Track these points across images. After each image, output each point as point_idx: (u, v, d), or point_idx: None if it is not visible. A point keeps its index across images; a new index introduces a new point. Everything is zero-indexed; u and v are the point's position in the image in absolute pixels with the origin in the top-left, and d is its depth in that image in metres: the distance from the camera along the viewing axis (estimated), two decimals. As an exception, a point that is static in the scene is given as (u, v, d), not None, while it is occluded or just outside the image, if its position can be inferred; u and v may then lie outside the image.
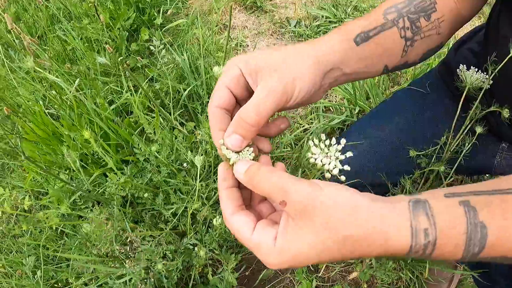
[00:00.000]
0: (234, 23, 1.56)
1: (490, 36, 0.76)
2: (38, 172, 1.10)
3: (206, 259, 0.85)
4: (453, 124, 0.81)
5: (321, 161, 0.42)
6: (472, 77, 0.73)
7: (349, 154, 0.42)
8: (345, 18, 1.68)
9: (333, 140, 0.43)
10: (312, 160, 0.42)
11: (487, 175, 1.01)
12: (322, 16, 1.69)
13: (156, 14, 1.48)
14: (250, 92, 0.48)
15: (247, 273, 1.07)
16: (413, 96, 0.91)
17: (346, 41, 0.53)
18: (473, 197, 0.40)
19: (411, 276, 1.06)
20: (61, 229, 1.06)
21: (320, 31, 1.62)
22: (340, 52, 0.51)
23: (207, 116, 1.05)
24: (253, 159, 0.44)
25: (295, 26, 1.62)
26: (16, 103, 1.29)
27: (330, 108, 1.42)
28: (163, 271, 0.76)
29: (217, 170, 0.46)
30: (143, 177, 0.95)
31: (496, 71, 0.69)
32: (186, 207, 0.88)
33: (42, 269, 0.91)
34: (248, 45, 1.48)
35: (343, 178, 0.42)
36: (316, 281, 1.05)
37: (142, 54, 1.36)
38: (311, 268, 1.05)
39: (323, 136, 0.43)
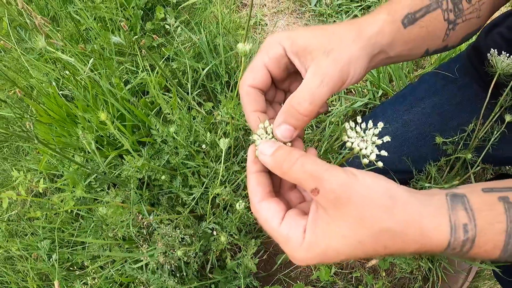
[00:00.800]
0: (253, 1, 1.52)
1: None
2: (53, 154, 1.09)
3: (226, 244, 0.83)
4: (482, 111, 0.77)
5: (358, 145, 0.39)
6: (503, 62, 0.69)
7: (386, 138, 0.39)
8: (370, -2, 1.62)
9: (370, 123, 0.39)
10: (348, 144, 0.39)
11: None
12: None
13: (171, -8, 1.44)
14: (290, 73, 0.45)
15: (264, 257, 1.05)
16: (441, 80, 0.88)
17: (394, 23, 0.49)
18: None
19: (431, 266, 1.03)
20: (76, 212, 1.05)
21: (341, 10, 1.55)
22: (389, 34, 0.48)
23: (226, 96, 1.02)
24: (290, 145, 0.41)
25: (315, 4, 1.56)
26: (29, 85, 1.28)
27: (352, 90, 1.38)
28: (184, 257, 0.74)
29: (237, 152, 0.43)
30: (160, 159, 0.92)
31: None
32: (206, 191, 0.86)
33: (57, 252, 0.90)
34: (267, 24, 1.44)
35: (380, 164, 0.38)
36: (335, 268, 1.02)
37: (158, 33, 1.33)
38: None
39: (359, 119, 0.40)
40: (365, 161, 0.39)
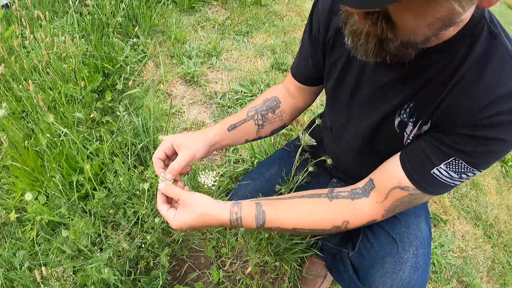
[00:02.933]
0: (175, 93, 2.19)
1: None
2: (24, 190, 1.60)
3: (150, 255, 1.42)
4: (294, 166, 1.24)
5: (204, 180, 1.01)
6: (306, 138, 1.14)
7: (212, 181, 1.04)
8: (258, 93, 2.38)
9: (209, 172, 1.03)
10: (199, 179, 1.02)
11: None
12: (241, 91, 2.35)
13: (118, 81, 2.07)
14: (175, 153, 1.01)
15: (179, 273, 1.62)
16: (284, 152, 1.43)
17: (222, 130, 1.08)
18: (263, 200, 0.93)
19: (291, 270, 1.58)
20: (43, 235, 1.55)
21: (238, 103, 2.29)
22: (220, 135, 1.07)
23: (151, 162, 1.64)
24: (172, 182, 0.98)
25: (220, 98, 2.28)
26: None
27: (239, 160, 2.08)
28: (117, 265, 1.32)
29: (151, 195, 1.08)
30: (109, 199, 1.51)
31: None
32: (137, 216, 1.46)
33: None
34: (185, 111, 2.12)
35: (214, 188, 1.06)
36: (223, 273, 1.64)
37: (106, 112, 1.94)
38: (220, 265, 1.65)
39: (206, 171, 1.05)
40: (205, 187, 1.00)
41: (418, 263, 0.96)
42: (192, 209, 0.90)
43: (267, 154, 2.03)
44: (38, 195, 1.56)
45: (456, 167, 0.77)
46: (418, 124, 0.84)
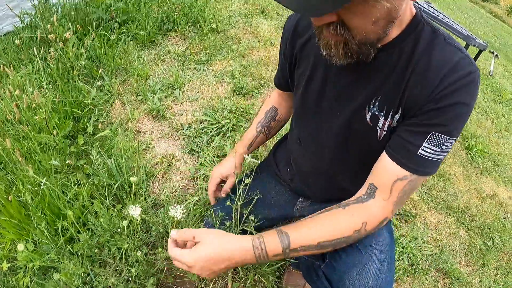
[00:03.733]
0: (143, 129, 2.36)
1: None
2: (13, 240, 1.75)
3: (137, 287, 1.59)
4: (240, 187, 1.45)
5: (173, 214, 1.16)
6: (249, 160, 1.33)
7: (181, 213, 1.22)
8: (222, 120, 2.55)
9: (177, 206, 1.17)
10: (169, 213, 1.19)
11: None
12: (206, 120, 2.52)
13: (87, 124, 2.23)
14: (223, 180, 1.39)
15: None
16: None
17: (245, 150, 1.47)
18: (281, 227, 0.98)
19: (270, 283, 1.68)
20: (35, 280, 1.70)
21: (204, 132, 2.45)
22: (244, 153, 1.44)
23: (129, 200, 1.82)
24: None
25: (186, 129, 2.46)
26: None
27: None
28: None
29: (132, 231, 1.27)
30: (93, 239, 1.67)
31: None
32: (121, 252, 1.63)
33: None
34: (154, 146, 2.30)
35: (183, 220, 1.27)
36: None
37: (80, 155, 2.10)
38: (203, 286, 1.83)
39: (175, 205, 1.20)
40: (175, 219, 1.15)
41: (383, 267, 1.08)
42: (210, 242, 0.92)
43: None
44: (26, 243, 1.70)
45: (436, 141, 0.91)
46: (390, 115, 0.98)
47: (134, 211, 1.18)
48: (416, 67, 0.92)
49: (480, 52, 4.73)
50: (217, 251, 0.91)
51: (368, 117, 1.02)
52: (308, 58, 1.14)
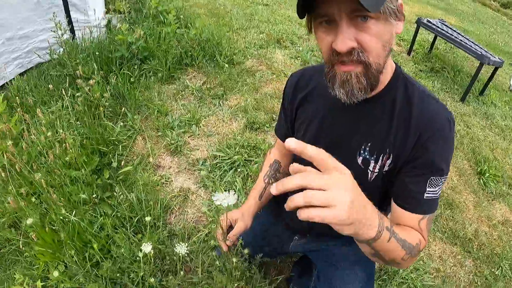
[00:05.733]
0: (162, 164, 2.69)
1: None
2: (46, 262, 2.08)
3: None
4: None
5: (178, 250, 1.46)
6: (225, 199, 1.17)
7: (185, 250, 1.54)
8: (234, 156, 2.82)
9: (182, 244, 1.50)
10: (175, 250, 1.48)
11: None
12: (220, 156, 2.80)
13: (112, 159, 2.57)
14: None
15: None
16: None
17: (256, 202, 1.50)
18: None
19: None
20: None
21: (217, 167, 2.75)
22: (256, 206, 1.50)
23: (152, 232, 2.13)
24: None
25: (202, 164, 2.76)
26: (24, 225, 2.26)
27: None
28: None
29: (147, 260, 1.57)
30: (115, 265, 1.99)
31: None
32: (138, 278, 1.94)
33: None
34: (172, 180, 2.62)
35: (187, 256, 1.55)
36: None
37: (105, 189, 2.43)
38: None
39: (180, 243, 1.54)
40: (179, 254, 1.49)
41: None
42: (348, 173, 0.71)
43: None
44: (57, 265, 2.04)
45: (434, 182, 1.04)
46: (380, 159, 1.11)
47: (146, 247, 1.48)
48: (400, 117, 1.07)
49: (496, 69, 4.93)
50: (358, 186, 0.73)
51: (359, 160, 1.15)
52: (307, 111, 1.30)
